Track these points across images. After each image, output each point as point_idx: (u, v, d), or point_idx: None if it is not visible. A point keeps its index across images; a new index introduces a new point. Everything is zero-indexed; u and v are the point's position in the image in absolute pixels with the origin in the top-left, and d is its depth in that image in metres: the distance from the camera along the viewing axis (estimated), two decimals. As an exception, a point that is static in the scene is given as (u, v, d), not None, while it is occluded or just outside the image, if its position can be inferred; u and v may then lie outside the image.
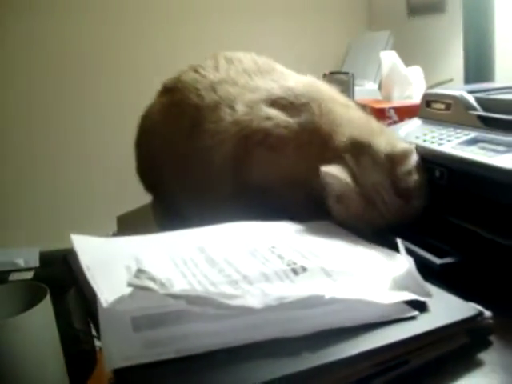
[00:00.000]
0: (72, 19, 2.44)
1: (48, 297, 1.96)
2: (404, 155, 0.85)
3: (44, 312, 1.95)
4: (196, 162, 0.97)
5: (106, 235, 1.94)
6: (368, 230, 0.82)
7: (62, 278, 2.23)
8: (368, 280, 0.63)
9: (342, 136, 0.87)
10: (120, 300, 0.52)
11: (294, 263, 0.65)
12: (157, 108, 1.07)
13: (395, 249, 0.70)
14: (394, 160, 0.84)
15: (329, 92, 0.97)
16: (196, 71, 1.04)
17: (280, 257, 0.68)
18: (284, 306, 0.53)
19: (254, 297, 0.55)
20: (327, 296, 0.55)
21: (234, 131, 0.93)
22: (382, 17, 2.67)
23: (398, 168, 0.84)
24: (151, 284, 0.51)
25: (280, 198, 0.88)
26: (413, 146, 0.87)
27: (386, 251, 0.73)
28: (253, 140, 0.91)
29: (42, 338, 1.94)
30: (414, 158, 0.87)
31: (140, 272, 0.53)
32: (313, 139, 0.88)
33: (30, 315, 1.89)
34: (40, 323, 1.92)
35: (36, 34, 2.42)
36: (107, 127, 2.50)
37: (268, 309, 0.53)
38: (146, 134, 1.10)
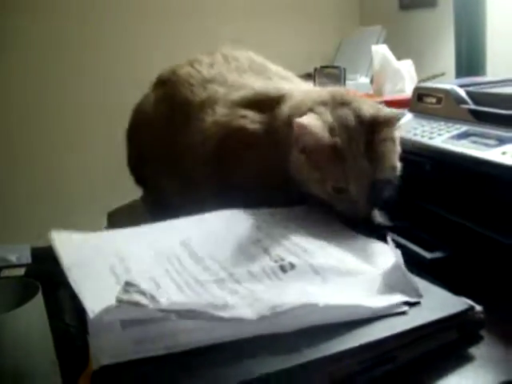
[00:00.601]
0: (70, 18, 2.43)
1: (40, 293, 1.94)
2: (390, 119, 0.83)
3: (36, 308, 1.93)
4: (183, 158, 0.96)
5: (98, 230, 1.93)
6: (324, 197, 0.82)
7: (54, 274, 2.22)
8: (358, 279, 0.62)
9: None
10: (107, 311, 0.51)
11: (282, 259, 0.65)
12: (150, 100, 1.07)
13: (384, 241, 0.70)
14: (377, 121, 0.82)
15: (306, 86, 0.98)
16: (192, 65, 1.03)
17: (266, 251, 0.67)
18: (277, 315, 0.53)
19: (246, 306, 0.54)
20: (321, 304, 0.54)
21: (214, 131, 0.93)
22: (373, 11, 2.66)
23: (379, 131, 0.82)
24: (141, 298, 0.50)
25: (260, 195, 0.87)
26: (399, 112, 0.85)
27: (374, 244, 0.73)
28: (231, 139, 0.91)
29: (34, 335, 1.92)
30: (398, 126, 0.85)
31: (128, 285, 0.52)
32: (286, 130, 0.87)
33: (21, 311, 1.87)
34: (32, 319, 1.90)
35: (32, 31, 2.41)
36: (96, 122, 2.49)
37: (261, 319, 0.52)
38: (138, 127, 1.09)
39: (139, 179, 1.12)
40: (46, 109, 2.49)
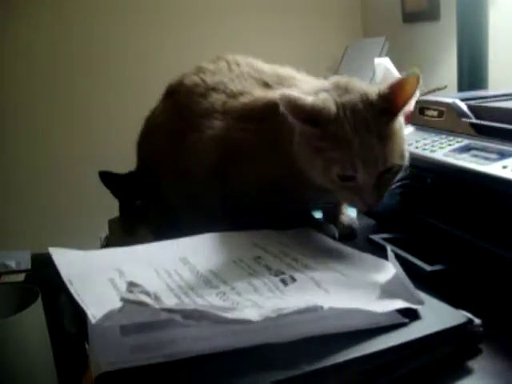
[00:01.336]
0: (81, 21, 2.44)
1: (39, 299, 1.94)
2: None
3: (35, 314, 1.93)
4: (189, 169, 0.97)
5: (98, 238, 1.93)
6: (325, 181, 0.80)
7: (53, 280, 2.22)
8: (359, 290, 0.62)
9: None
10: (109, 315, 0.51)
11: (283, 273, 0.65)
12: (159, 110, 1.08)
13: (384, 255, 0.70)
14: (384, 105, 0.79)
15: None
16: (197, 74, 1.04)
17: (267, 267, 0.68)
18: (282, 318, 0.53)
19: (249, 308, 0.54)
20: (325, 306, 0.55)
21: (213, 146, 0.93)
22: (377, 23, 2.67)
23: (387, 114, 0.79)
24: (145, 298, 0.50)
25: (262, 205, 0.88)
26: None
27: (373, 258, 0.73)
28: (230, 152, 0.91)
29: (33, 341, 1.92)
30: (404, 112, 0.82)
31: (132, 286, 0.52)
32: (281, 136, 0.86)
33: (20, 317, 1.87)
34: (31, 325, 1.90)
35: (42, 35, 2.42)
36: (99, 131, 2.49)
37: (266, 321, 0.52)
38: (148, 136, 1.10)
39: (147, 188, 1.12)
40: (51, 114, 2.50)
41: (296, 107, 0.78)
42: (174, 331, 0.51)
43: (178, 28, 2.52)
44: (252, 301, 0.57)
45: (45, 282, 2.25)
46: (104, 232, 1.91)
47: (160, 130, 1.05)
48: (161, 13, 2.52)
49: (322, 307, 0.54)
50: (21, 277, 2.23)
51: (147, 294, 0.51)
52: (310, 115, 0.78)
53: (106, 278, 0.64)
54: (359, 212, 0.97)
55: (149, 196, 1.11)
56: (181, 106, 1.02)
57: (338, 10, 2.67)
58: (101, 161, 2.44)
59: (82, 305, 0.56)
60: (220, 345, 0.52)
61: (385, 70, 1.48)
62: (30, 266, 2.29)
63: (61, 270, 0.66)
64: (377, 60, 1.54)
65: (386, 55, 2.08)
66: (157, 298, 0.51)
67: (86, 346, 2.47)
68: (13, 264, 2.29)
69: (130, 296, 0.50)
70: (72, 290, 0.60)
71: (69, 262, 0.69)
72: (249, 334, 0.52)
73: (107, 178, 1.16)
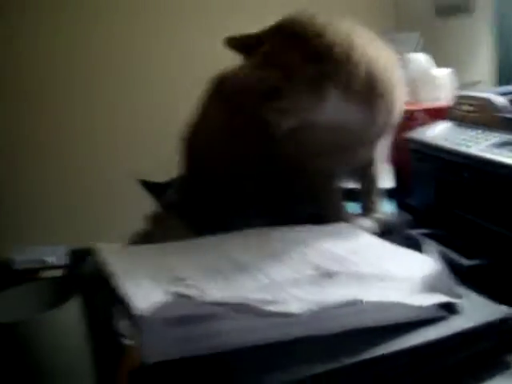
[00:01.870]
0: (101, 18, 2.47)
1: (77, 294, 1.99)
2: None
3: (73, 309, 1.97)
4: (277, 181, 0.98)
5: (133, 233, 1.95)
6: None
7: (91, 276, 2.26)
8: (397, 283, 0.63)
9: None
10: (155, 308, 0.53)
11: (322, 267, 0.66)
12: (215, 111, 1.04)
13: (420, 249, 0.71)
14: None
15: None
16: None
17: (309, 262, 0.69)
18: (323, 311, 0.54)
19: (293, 302, 0.55)
20: (365, 300, 0.56)
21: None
22: (409, 17, 2.65)
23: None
24: (191, 291, 0.52)
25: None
26: None
27: (413, 253, 0.74)
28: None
29: (72, 335, 1.96)
30: None
31: (178, 279, 0.54)
32: None
33: (59, 312, 1.91)
34: (70, 320, 1.94)
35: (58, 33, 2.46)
36: (137, 129, 2.52)
37: (308, 314, 0.53)
38: (199, 133, 1.08)
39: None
40: (87, 114, 2.53)
41: None
42: (218, 324, 0.53)
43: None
44: (293, 294, 0.59)
45: (82, 277, 2.30)
46: (139, 227, 1.94)
47: (223, 133, 1.01)
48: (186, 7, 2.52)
49: (361, 301, 0.55)
50: (58, 272, 2.28)
51: (194, 286, 0.53)
52: None
53: (150, 272, 0.65)
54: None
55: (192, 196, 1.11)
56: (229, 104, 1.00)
57: (370, 5, 2.66)
58: (133, 158, 2.49)
59: (128, 298, 0.58)
60: (262, 337, 0.53)
61: (419, 64, 1.47)
62: (67, 262, 2.34)
63: (106, 264, 0.68)
64: (411, 55, 1.54)
65: (420, 49, 2.06)
66: (202, 292, 0.52)
67: (124, 341, 2.51)
68: (51, 259, 2.34)
69: (177, 289, 0.52)
70: (118, 283, 0.62)
71: (114, 256, 0.71)
72: (290, 326, 0.54)
73: (147, 185, 1.20)
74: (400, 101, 0.92)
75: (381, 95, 0.87)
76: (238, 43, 0.89)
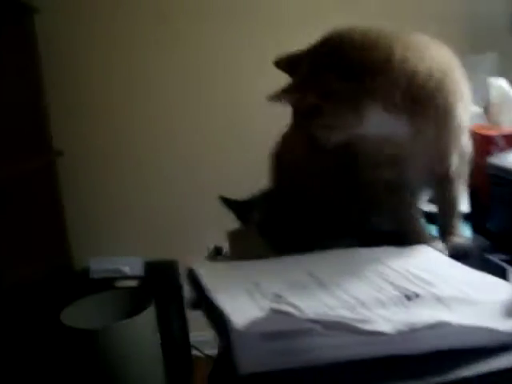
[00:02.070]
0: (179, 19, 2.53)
1: (152, 305, 2.06)
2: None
3: (148, 319, 2.04)
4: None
5: (209, 249, 2.00)
6: None
7: (164, 287, 2.34)
8: (480, 308, 0.65)
9: None
10: (254, 322, 0.57)
11: (407, 289, 0.69)
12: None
13: (499, 273, 0.72)
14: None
15: None
16: None
17: (391, 283, 0.72)
18: (413, 332, 0.57)
19: (384, 322, 0.58)
20: (454, 323, 0.58)
21: None
22: (485, 38, 2.63)
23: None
24: (290, 309, 0.56)
25: None
26: None
27: (493, 278, 0.75)
28: None
29: (145, 344, 2.03)
30: None
31: (278, 297, 0.58)
32: None
33: (134, 321, 1.99)
34: (143, 330, 2.01)
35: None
36: (219, 140, 2.55)
37: (398, 334, 0.56)
38: (290, 150, 1.09)
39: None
40: (169, 124, 2.59)
41: None
42: (311, 339, 0.56)
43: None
44: (380, 315, 0.61)
45: (156, 288, 2.37)
46: (212, 242, 1.99)
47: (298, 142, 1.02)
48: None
49: (450, 323, 0.57)
50: (134, 282, 2.36)
51: (292, 305, 0.56)
52: None
53: (243, 288, 0.69)
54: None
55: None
56: None
57: (444, 25, 2.64)
58: (219, 172, 2.55)
59: (225, 312, 0.62)
60: (352, 354, 0.56)
61: (501, 89, 1.47)
62: (143, 273, 2.42)
63: (203, 281, 0.72)
64: (491, 79, 1.53)
65: (495, 70, 2.05)
66: (300, 309, 0.56)
67: (191, 352, 2.56)
68: (127, 270, 2.43)
69: (277, 306, 0.56)
70: (214, 298, 0.66)
71: (209, 273, 0.75)
72: (379, 345, 0.57)
73: (228, 203, 1.24)
74: (459, 112, 0.90)
75: (424, 106, 0.86)
76: (283, 63, 0.92)
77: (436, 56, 0.90)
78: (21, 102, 2.23)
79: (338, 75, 0.84)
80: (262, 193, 1.19)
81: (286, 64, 0.92)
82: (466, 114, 0.93)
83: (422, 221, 1.00)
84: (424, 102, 0.86)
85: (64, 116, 2.52)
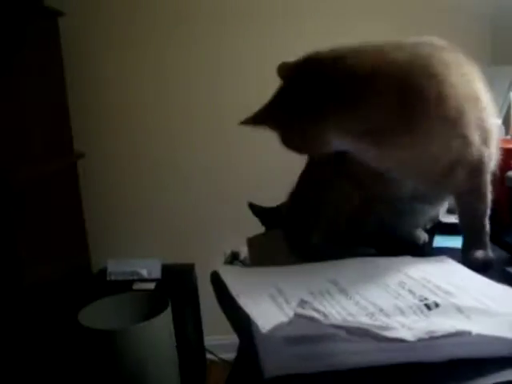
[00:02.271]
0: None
1: (169, 308, 2.08)
2: None
3: (165, 322, 2.07)
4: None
5: (226, 254, 2.02)
6: None
7: (181, 290, 2.36)
8: (500, 318, 0.66)
9: None
10: (279, 326, 0.59)
11: (426, 299, 0.70)
12: None
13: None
14: None
15: None
16: None
17: (411, 292, 0.73)
18: (433, 340, 0.58)
19: (405, 330, 0.59)
20: (474, 332, 0.59)
21: None
22: (506, 50, 2.63)
23: None
24: (315, 314, 0.58)
25: None
26: None
27: (511, 289, 0.76)
28: None
29: (161, 346, 2.06)
30: None
31: (303, 303, 0.60)
32: None
33: (151, 324, 2.01)
34: (160, 332, 2.04)
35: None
36: (238, 141, 2.55)
37: (418, 341, 0.57)
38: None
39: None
40: (190, 125, 2.62)
41: None
42: (335, 345, 0.58)
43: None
44: (400, 322, 0.63)
45: (173, 291, 2.40)
46: (229, 246, 2.01)
47: None
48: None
49: (470, 332, 0.58)
50: (151, 285, 2.39)
51: (317, 310, 0.58)
52: None
53: (266, 293, 0.71)
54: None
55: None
56: None
57: (464, 37, 2.65)
58: (238, 177, 2.56)
59: (251, 316, 0.63)
60: (373, 360, 0.58)
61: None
62: (160, 276, 2.45)
63: (228, 285, 0.74)
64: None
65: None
66: (325, 315, 0.58)
67: (206, 356, 2.58)
68: (144, 272, 2.46)
69: (303, 311, 0.58)
70: (240, 302, 0.68)
71: (234, 278, 0.77)
72: (400, 352, 0.58)
73: (255, 210, 1.27)
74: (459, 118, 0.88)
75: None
76: (280, 71, 0.93)
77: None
78: (45, 105, 2.26)
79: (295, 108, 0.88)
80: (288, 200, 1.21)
81: (283, 71, 0.94)
82: (476, 123, 0.90)
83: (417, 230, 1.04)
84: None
85: (85, 119, 2.55)
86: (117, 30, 2.52)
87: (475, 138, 0.90)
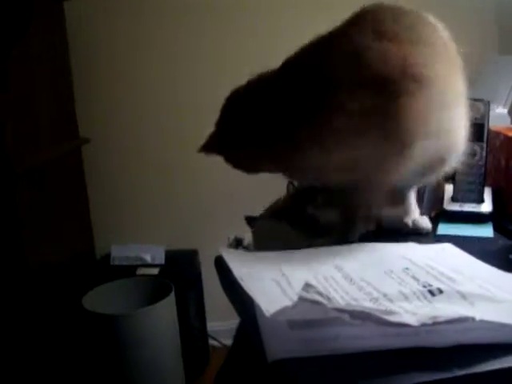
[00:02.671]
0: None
1: (173, 293, 2.09)
2: None
3: (168, 307, 2.08)
4: None
5: (229, 239, 2.02)
6: None
7: (184, 276, 2.37)
8: (504, 305, 0.66)
9: None
10: (283, 310, 0.59)
11: (430, 285, 0.70)
12: None
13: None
14: None
15: None
16: None
17: (415, 278, 0.73)
18: (436, 325, 0.58)
19: (409, 314, 0.60)
20: (477, 318, 0.59)
21: None
22: (512, 40, 2.61)
23: None
24: (319, 298, 0.58)
25: None
26: None
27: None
28: None
29: (164, 331, 2.07)
30: None
31: (308, 286, 0.60)
32: None
33: (154, 309, 2.02)
34: (164, 317, 2.05)
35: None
36: None
37: (422, 326, 0.58)
38: None
39: None
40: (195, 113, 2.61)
41: None
42: (339, 329, 0.58)
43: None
44: (403, 308, 0.63)
45: (176, 277, 2.40)
46: (233, 234, 2.01)
47: None
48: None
49: (473, 318, 0.59)
50: (155, 271, 2.40)
51: (321, 294, 0.59)
52: None
53: (270, 277, 0.72)
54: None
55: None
56: None
57: (472, 27, 2.63)
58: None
59: (255, 299, 0.64)
60: (377, 344, 0.58)
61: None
62: (163, 262, 2.46)
63: (232, 269, 0.74)
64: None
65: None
66: (329, 298, 0.58)
67: (208, 342, 2.59)
68: (148, 258, 2.47)
69: (307, 295, 0.58)
70: (244, 285, 0.68)
71: (238, 262, 0.78)
72: (404, 337, 0.58)
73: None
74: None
75: None
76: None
77: None
78: (50, 90, 2.26)
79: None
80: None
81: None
82: None
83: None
84: None
85: (90, 104, 2.55)
86: (123, 15, 2.51)
87: None
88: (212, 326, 2.58)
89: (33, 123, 2.07)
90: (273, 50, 2.41)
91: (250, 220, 1.26)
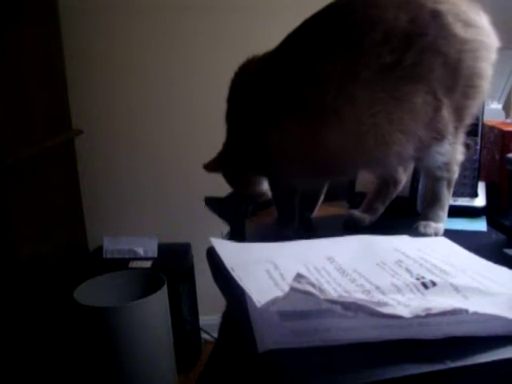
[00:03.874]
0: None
1: (165, 286, 2.08)
2: None
3: (160, 300, 2.07)
4: None
5: (222, 233, 2.01)
6: None
7: (176, 270, 2.36)
8: (497, 298, 0.66)
9: None
10: (274, 301, 0.58)
11: (423, 277, 0.70)
12: None
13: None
14: None
15: None
16: None
17: (408, 270, 0.73)
18: (429, 317, 0.58)
19: (402, 306, 0.59)
20: (470, 310, 0.59)
21: None
22: (510, 34, 2.61)
23: None
24: (311, 289, 0.57)
25: None
26: None
27: (507, 270, 0.76)
28: None
29: (157, 324, 2.06)
30: None
31: (300, 277, 0.59)
32: None
33: (147, 302, 2.01)
34: (156, 310, 2.04)
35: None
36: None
37: (414, 318, 0.57)
38: None
39: None
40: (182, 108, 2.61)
41: None
42: (330, 320, 0.58)
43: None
44: (396, 300, 0.62)
45: (168, 270, 2.39)
46: (226, 227, 2.00)
47: None
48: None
49: (467, 311, 0.58)
50: (148, 264, 2.38)
51: (313, 285, 0.58)
52: None
53: (262, 268, 0.71)
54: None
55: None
56: None
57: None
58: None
59: (246, 290, 0.63)
60: (368, 336, 0.57)
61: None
62: (156, 255, 2.45)
63: (223, 259, 0.74)
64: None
65: (518, 68, 2.03)
66: (321, 289, 0.58)
67: (201, 335, 2.58)
68: (141, 251, 2.45)
69: (298, 286, 0.57)
70: (235, 275, 0.68)
71: (229, 252, 0.77)
72: (396, 328, 0.58)
73: (211, 204, 1.29)
74: None
75: None
76: None
77: None
78: (43, 81, 2.25)
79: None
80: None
81: None
82: None
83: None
84: None
85: (84, 96, 2.53)
86: (118, 5, 2.49)
87: None
88: (204, 319, 2.57)
89: (24, 114, 2.05)
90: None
91: (209, 201, 1.29)
